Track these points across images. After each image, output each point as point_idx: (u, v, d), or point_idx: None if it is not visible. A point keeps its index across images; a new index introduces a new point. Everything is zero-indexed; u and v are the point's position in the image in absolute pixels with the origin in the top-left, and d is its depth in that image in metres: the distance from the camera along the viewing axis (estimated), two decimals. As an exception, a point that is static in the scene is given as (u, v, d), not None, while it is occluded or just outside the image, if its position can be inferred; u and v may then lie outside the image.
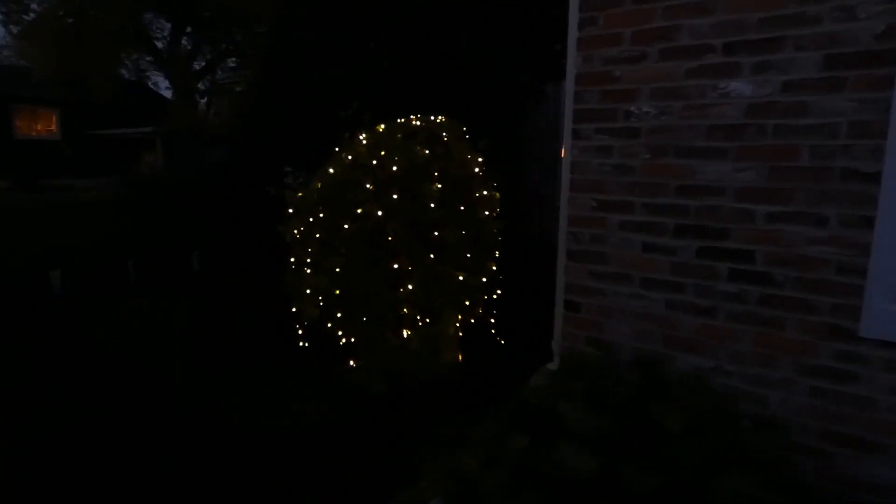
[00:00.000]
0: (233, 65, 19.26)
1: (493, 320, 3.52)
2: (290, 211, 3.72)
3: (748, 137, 2.33)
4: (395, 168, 3.14)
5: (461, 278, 3.20)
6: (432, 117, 3.58)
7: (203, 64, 19.17)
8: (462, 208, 3.23)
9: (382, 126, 3.54)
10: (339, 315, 3.28)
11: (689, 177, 2.50)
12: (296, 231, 3.59)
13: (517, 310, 4.08)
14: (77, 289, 6.55)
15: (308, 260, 3.42)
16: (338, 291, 3.20)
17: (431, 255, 3.14)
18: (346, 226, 3.13)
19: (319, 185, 3.53)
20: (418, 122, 3.53)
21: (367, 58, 5.43)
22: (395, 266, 3.09)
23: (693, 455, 1.65)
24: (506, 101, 6.01)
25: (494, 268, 3.40)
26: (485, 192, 3.49)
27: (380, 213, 3.08)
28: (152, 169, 18.76)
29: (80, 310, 5.85)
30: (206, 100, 18.65)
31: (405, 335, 3.18)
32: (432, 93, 5.34)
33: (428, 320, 3.18)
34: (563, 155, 3.09)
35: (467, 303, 3.41)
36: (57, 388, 3.91)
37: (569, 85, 2.92)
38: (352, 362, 3.43)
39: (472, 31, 5.56)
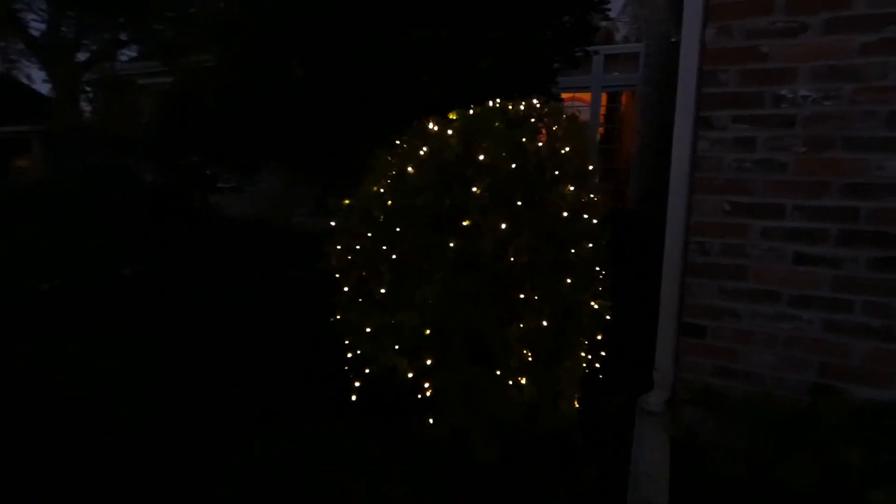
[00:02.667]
0: (126, 57, 17.11)
1: (602, 353, 2.95)
2: (333, 224, 2.89)
3: (955, 126, 2.03)
4: (514, 165, 2.46)
5: (595, 307, 2.61)
6: (534, 101, 2.95)
7: (88, 54, 16.84)
8: (585, 216, 2.63)
9: (471, 110, 2.83)
10: (428, 362, 2.52)
11: (862, 173, 2.15)
12: (343, 249, 2.78)
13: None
14: (-23, 329, 5.06)
15: (382, 290, 2.63)
16: (428, 331, 2.45)
17: (568, 280, 2.51)
18: (451, 244, 2.40)
19: (381, 190, 2.75)
20: (521, 107, 2.87)
21: (390, 33, 4.52)
22: (521, 296, 2.42)
23: None
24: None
25: (601, 289, 2.84)
26: (594, 196, 2.93)
27: (503, 225, 2.40)
28: (28, 174, 16.27)
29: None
30: (98, 95, 16.36)
31: (521, 383, 2.50)
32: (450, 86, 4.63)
33: (544, 362, 2.53)
34: (678, 148, 2.64)
35: (599, 337, 2.81)
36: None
37: (687, 64, 2.45)
38: (430, 419, 2.66)
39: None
